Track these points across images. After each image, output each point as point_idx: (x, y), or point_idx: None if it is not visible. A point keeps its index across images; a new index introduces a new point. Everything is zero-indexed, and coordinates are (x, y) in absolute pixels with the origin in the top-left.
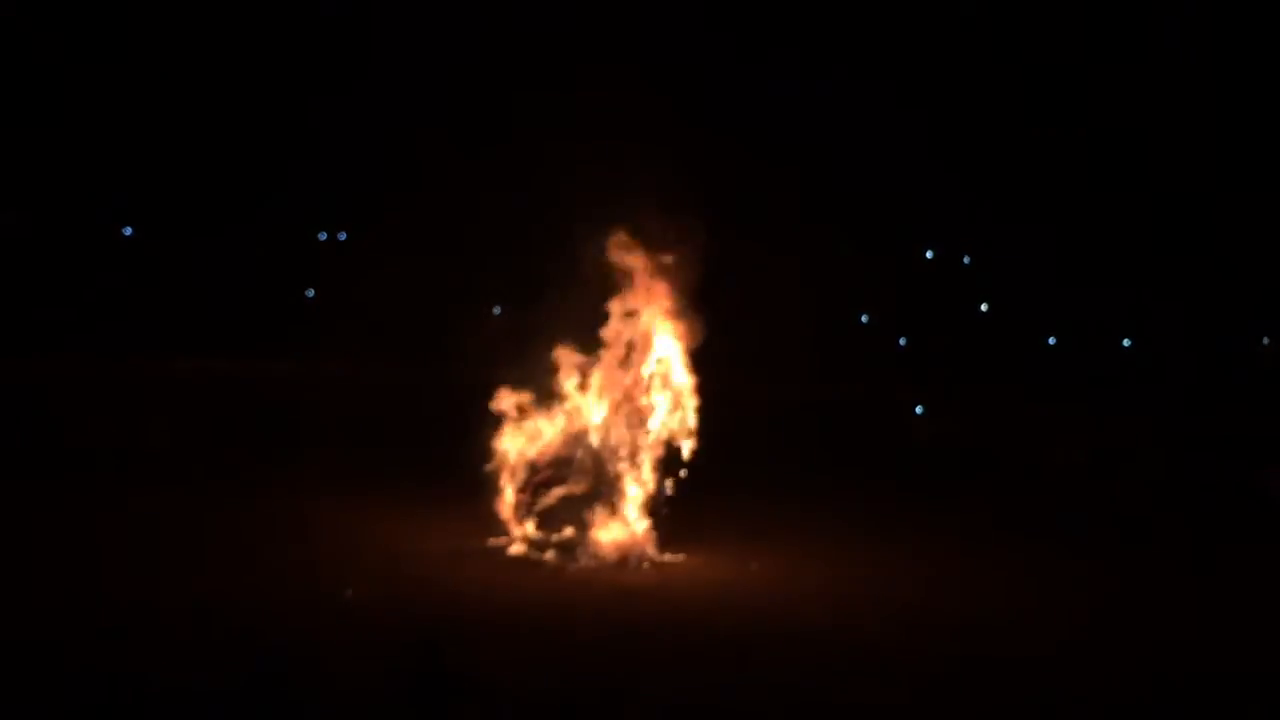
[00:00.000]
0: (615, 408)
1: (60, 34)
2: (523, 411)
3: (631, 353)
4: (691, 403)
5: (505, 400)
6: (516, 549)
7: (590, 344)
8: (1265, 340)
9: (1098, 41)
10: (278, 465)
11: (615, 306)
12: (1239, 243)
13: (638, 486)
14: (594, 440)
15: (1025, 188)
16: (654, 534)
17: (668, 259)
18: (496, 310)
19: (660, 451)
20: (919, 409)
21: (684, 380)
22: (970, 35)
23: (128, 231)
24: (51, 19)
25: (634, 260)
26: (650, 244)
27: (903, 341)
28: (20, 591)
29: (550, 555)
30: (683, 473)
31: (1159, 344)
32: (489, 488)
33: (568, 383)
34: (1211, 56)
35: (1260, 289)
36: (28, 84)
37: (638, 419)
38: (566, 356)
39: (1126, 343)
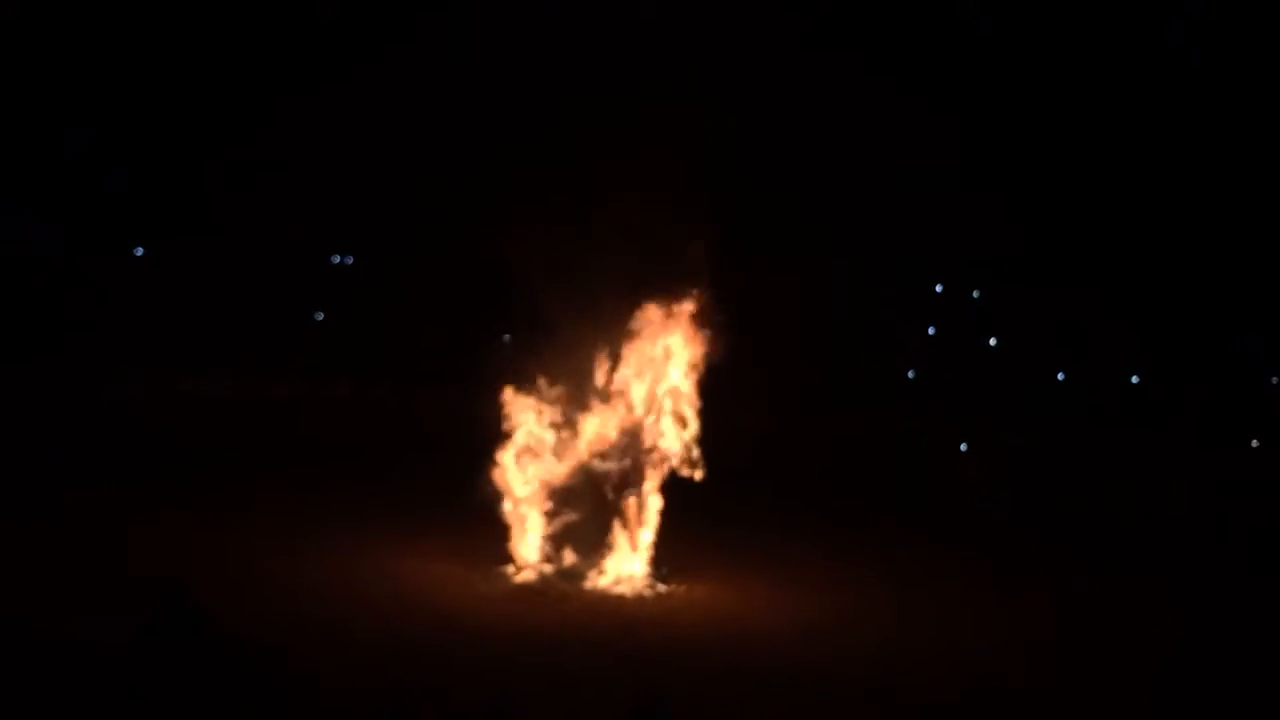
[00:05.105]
0: (623, 436)
1: (63, 49)
2: (530, 439)
3: (641, 381)
4: (698, 431)
5: (512, 428)
6: (523, 577)
7: (600, 371)
8: (1275, 380)
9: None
10: (282, 488)
11: (627, 335)
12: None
13: (645, 515)
14: (600, 468)
15: (1036, 222)
16: (659, 563)
17: (684, 285)
18: (506, 337)
19: (667, 479)
20: (964, 446)
21: (693, 408)
22: (980, 58)
23: (139, 252)
24: (56, 38)
25: (649, 287)
26: (667, 270)
27: (911, 374)
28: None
29: (556, 583)
30: (690, 501)
31: (1168, 379)
32: (496, 515)
33: (575, 410)
34: (1213, 59)
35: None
36: (31, 99)
37: (645, 447)
38: (574, 384)
39: (1135, 379)
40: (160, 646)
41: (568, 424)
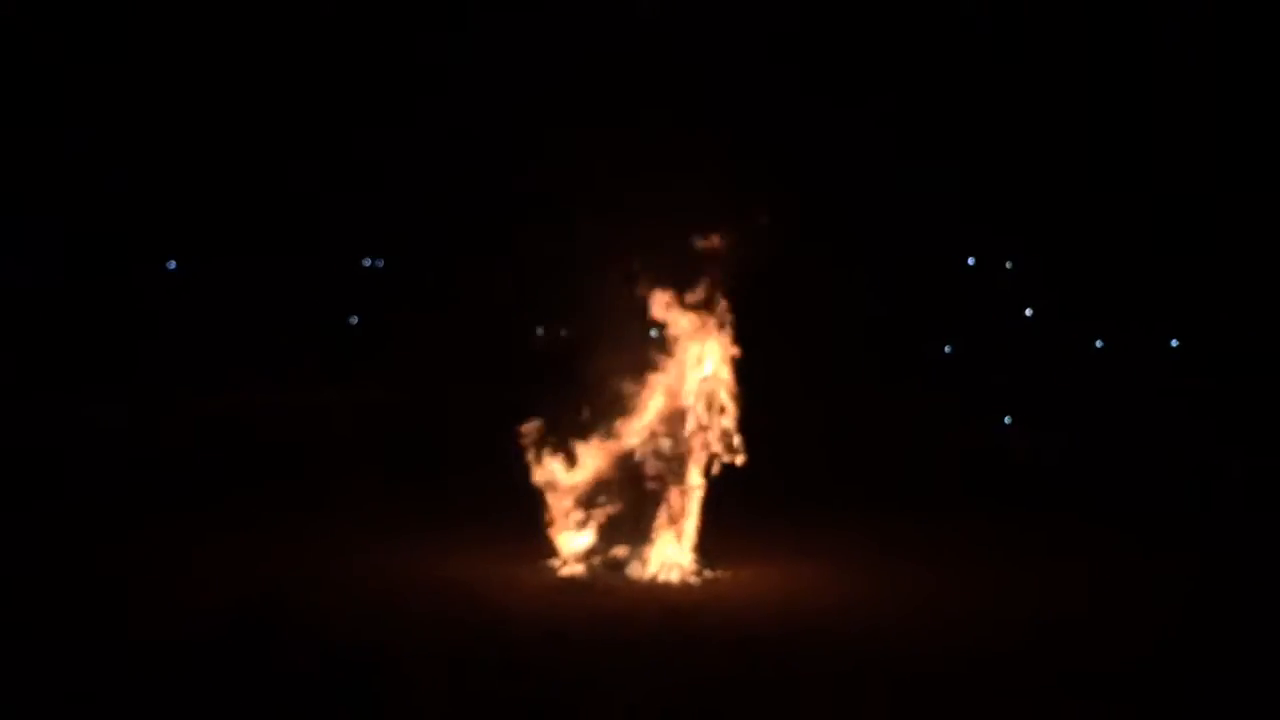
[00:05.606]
0: (661, 424)
1: (63, 49)
2: (566, 435)
3: (679, 368)
4: (737, 416)
5: (542, 429)
6: (568, 570)
7: (636, 362)
8: None
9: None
10: (323, 492)
11: (663, 323)
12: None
13: (688, 502)
14: (640, 458)
15: (1062, 190)
16: (704, 550)
17: (720, 269)
18: (539, 331)
19: (708, 465)
20: (1007, 419)
21: (731, 393)
22: (996, 42)
23: (171, 266)
24: (56, 38)
25: (686, 274)
26: (703, 254)
27: (948, 349)
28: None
29: (602, 574)
30: (731, 486)
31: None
32: (538, 510)
33: (613, 401)
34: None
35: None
36: (31, 99)
37: (685, 435)
38: (611, 375)
39: (1174, 343)
40: (253, 645)
41: (608, 415)
